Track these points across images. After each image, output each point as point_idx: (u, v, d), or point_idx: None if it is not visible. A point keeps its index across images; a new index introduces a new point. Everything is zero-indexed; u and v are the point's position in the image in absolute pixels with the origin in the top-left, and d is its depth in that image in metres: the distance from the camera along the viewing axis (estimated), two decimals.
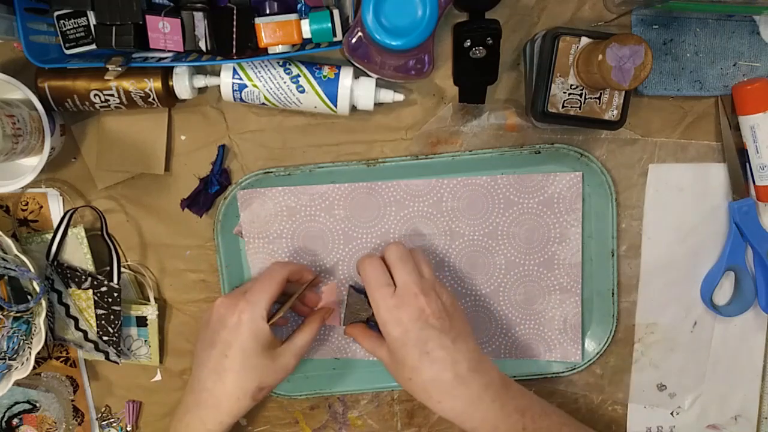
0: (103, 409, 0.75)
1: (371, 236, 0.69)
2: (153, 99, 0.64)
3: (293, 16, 0.59)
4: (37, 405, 0.72)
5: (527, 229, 0.69)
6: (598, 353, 0.70)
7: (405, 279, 0.59)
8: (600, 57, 0.54)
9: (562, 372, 0.71)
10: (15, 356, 0.64)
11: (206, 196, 0.68)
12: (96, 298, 0.67)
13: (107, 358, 0.69)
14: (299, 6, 0.61)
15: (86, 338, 0.69)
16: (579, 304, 0.70)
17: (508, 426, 0.58)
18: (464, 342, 0.59)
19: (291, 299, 0.65)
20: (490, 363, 0.61)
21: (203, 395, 0.61)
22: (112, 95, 0.63)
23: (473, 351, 0.59)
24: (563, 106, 0.60)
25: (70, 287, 0.68)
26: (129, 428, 0.74)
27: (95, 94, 0.63)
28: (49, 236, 0.67)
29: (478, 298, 0.70)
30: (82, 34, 0.61)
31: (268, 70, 0.62)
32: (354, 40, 0.58)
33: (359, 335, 0.66)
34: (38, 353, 0.64)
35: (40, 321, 0.63)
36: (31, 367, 0.64)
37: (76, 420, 0.74)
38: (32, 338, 0.64)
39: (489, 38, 0.61)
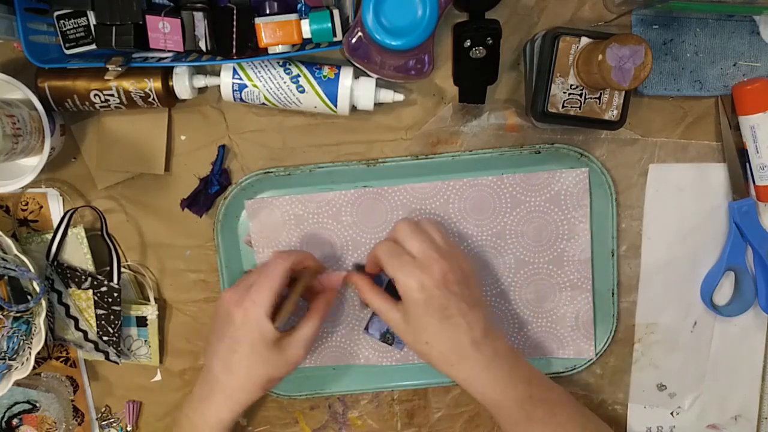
0: (103, 409, 0.75)
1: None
2: (153, 99, 0.63)
3: (293, 16, 0.59)
4: (37, 405, 0.72)
5: (535, 228, 0.69)
6: (598, 353, 0.70)
7: (421, 247, 0.60)
8: (600, 57, 0.54)
9: (563, 372, 0.71)
10: (15, 356, 0.64)
11: (206, 196, 0.68)
12: (96, 298, 0.67)
13: (107, 358, 0.69)
14: (299, 6, 0.61)
15: (86, 338, 0.69)
16: (590, 300, 0.70)
17: (517, 393, 0.59)
18: (480, 308, 0.60)
19: (293, 295, 0.64)
20: (499, 330, 0.62)
21: (216, 386, 0.63)
22: (112, 95, 0.63)
23: (486, 318, 0.61)
24: (563, 106, 0.60)
25: (70, 287, 0.67)
26: (129, 428, 0.74)
27: (95, 94, 0.63)
28: (49, 236, 0.67)
29: (489, 299, 0.70)
30: (82, 34, 0.61)
31: (268, 70, 0.62)
32: (354, 40, 0.58)
33: (368, 290, 0.63)
34: (38, 353, 0.64)
35: (40, 321, 0.63)
36: (31, 367, 0.64)
37: (76, 420, 0.74)
38: (32, 338, 0.64)
39: (489, 38, 0.61)
